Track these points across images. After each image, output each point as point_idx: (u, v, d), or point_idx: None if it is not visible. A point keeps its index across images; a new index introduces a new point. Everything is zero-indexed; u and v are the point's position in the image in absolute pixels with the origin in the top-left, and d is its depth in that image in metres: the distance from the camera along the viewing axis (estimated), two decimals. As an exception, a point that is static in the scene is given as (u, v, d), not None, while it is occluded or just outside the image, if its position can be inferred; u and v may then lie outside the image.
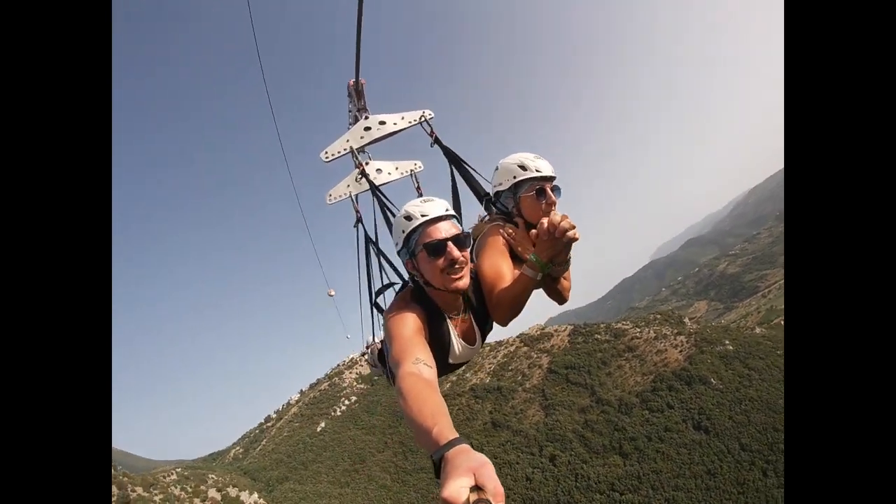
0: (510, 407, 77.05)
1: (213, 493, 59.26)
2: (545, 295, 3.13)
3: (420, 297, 2.66)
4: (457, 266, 2.51)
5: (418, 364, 2.09)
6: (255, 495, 62.78)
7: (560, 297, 3.08)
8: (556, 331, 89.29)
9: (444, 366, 2.83)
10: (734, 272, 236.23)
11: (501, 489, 1.23)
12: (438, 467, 1.39)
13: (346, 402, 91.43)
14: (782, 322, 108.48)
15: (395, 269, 3.55)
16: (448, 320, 2.73)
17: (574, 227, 2.35)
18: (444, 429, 1.54)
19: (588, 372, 77.07)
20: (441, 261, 2.50)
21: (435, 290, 2.63)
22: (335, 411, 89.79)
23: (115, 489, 40.87)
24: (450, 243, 2.50)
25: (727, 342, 73.89)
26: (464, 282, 2.57)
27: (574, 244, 2.47)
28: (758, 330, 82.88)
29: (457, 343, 2.77)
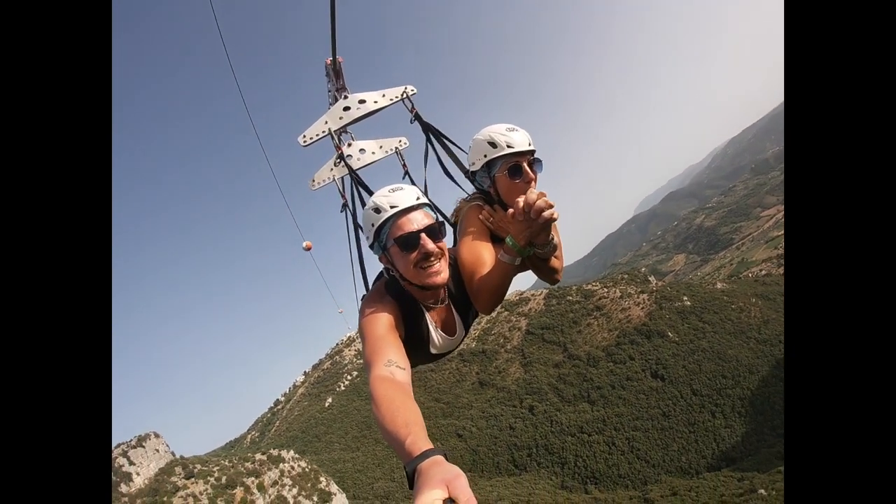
0: (494, 367, 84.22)
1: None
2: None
3: (395, 289, 2.47)
4: (432, 259, 2.32)
5: (390, 366, 1.98)
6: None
7: (551, 278, 2.81)
8: (532, 295, 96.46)
9: (427, 357, 2.73)
10: (710, 225, 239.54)
11: (475, 501, 1.20)
12: (412, 479, 1.35)
13: (349, 377, 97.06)
14: (749, 274, 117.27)
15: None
16: (426, 312, 2.56)
17: (552, 206, 2.15)
18: (418, 439, 1.51)
19: (561, 331, 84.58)
20: (414, 254, 2.30)
21: (410, 284, 2.42)
22: (339, 387, 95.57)
23: (179, 469, 44.53)
24: (423, 235, 2.30)
25: (685, 298, 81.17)
26: (442, 276, 2.37)
27: (553, 222, 2.25)
28: (719, 285, 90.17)
29: (436, 335, 2.61)
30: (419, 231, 2.32)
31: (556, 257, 2.74)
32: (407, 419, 1.66)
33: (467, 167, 3.09)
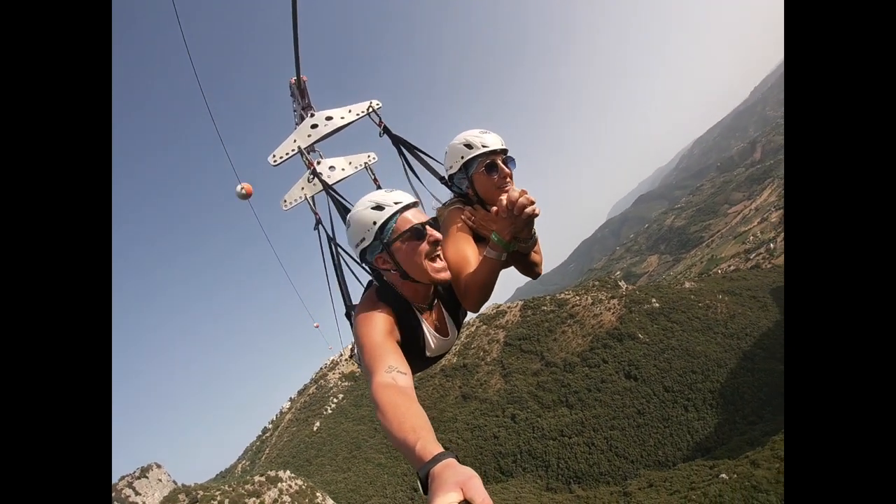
0: (476, 380, 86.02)
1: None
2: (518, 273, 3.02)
3: (386, 294, 2.49)
4: (438, 249, 2.42)
5: (392, 372, 1.98)
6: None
7: (533, 272, 2.94)
8: (509, 308, 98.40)
9: (423, 361, 2.75)
10: (680, 225, 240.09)
11: (490, 502, 1.20)
12: (425, 483, 1.35)
13: (335, 399, 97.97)
14: (718, 271, 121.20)
15: (363, 268, 3.07)
16: (419, 314, 2.59)
17: (533, 203, 2.25)
18: (428, 443, 1.50)
19: (537, 340, 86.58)
20: (424, 245, 2.36)
21: (407, 284, 2.45)
22: (326, 410, 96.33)
23: (183, 496, 45.41)
24: (429, 227, 2.39)
25: (654, 300, 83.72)
26: (447, 273, 2.45)
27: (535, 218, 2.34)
28: (687, 284, 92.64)
29: (431, 337, 2.63)
30: (426, 222, 2.39)
31: (535, 252, 2.82)
32: (414, 424, 1.63)
33: (444, 173, 3.20)
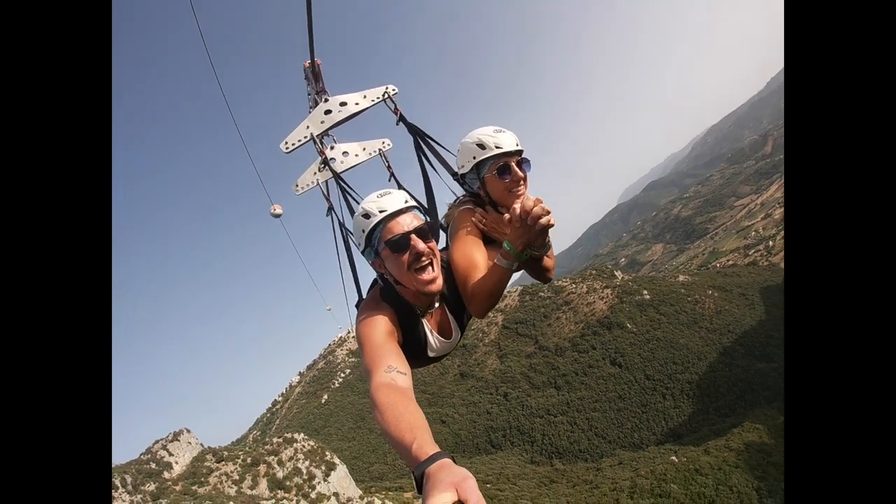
0: (474, 360, 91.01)
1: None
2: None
3: (390, 295, 2.48)
4: (423, 259, 2.32)
5: (391, 372, 1.98)
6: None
7: (544, 277, 2.80)
8: (508, 293, 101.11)
9: (425, 360, 2.74)
10: (687, 215, 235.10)
11: (484, 503, 1.19)
12: (421, 483, 1.34)
13: (342, 374, 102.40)
14: (717, 265, 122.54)
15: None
16: (422, 316, 2.55)
17: (549, 213, 2.14)
18: (425, 443, 1.49)
19: (533, 325, 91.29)
20: (406, 256, 2.30)
21: (406, 289, 2.42)
22: (334, 384, 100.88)
23: (210, 456, 50.22)
24: (413, 236, 2.31)
25: (645, 292, 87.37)
26: (437, 284, 2.38)
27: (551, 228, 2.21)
28: (681, 278, 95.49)
29: (433, 339, 2.61)
30: (409, 232, 2.31)
31: (548, 257, 2.68)
32: (411, 423, 1.63)
33: (456, 170, 3.09)
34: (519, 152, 2.82)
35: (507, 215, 2.28)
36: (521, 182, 2.80)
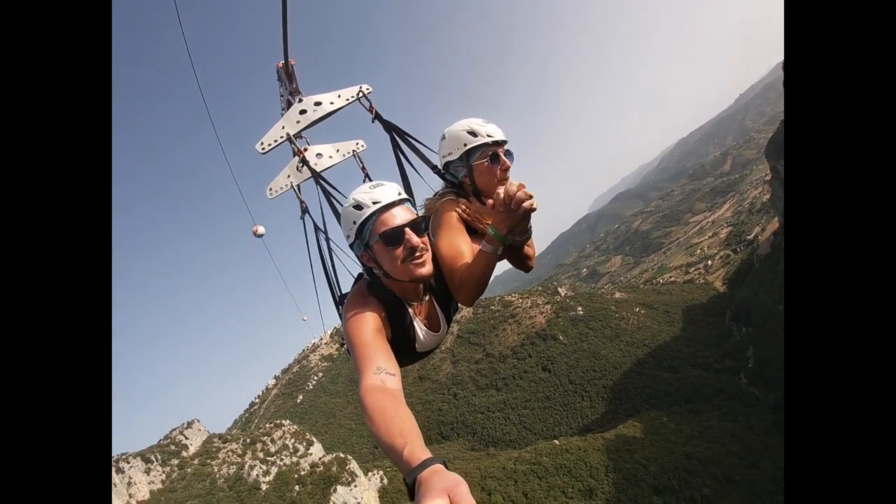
0: (431, 365, 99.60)
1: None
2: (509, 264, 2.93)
3: (377, 289, 2.44)
4: (417, 254, 2.30)
5: (380, 374, 1.97)
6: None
7: (525, 266, 2.85)
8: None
9: (412, 356, 2.70)
10: (646, 229, 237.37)
11: None
12: (412, 489, 1.32)
13: (315, 377, 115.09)
14: (661, 280, 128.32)
15: (350, 257, 3.17)
16: (409, 309, 2.52)
17: (531, 197, 2.13)
18: (416, 448, 1.48)
19: (483, 335, 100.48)
20: (400, 250, 2.27)
21: (395, 281, 2.39)
22: (308, 386, 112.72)
23: (216, 439, 63.65)
24: (407, 230, 2.28)
25: (580, 308, 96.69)
26: (427, 268, 2.35)
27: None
28: (617, 295, 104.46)
29: (421, 332, 2.59)
30: (404, 226, 2.29)
31: (528, 245, 2.74)
32: (402, 429, 1.62)
33: (439, 160, 3.07)
34: (505, 142, 2.89)
35: (490, 201, 2.27)
36: (508, 171, 2.86)
